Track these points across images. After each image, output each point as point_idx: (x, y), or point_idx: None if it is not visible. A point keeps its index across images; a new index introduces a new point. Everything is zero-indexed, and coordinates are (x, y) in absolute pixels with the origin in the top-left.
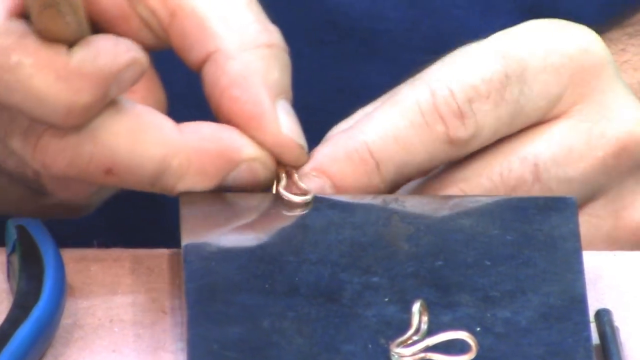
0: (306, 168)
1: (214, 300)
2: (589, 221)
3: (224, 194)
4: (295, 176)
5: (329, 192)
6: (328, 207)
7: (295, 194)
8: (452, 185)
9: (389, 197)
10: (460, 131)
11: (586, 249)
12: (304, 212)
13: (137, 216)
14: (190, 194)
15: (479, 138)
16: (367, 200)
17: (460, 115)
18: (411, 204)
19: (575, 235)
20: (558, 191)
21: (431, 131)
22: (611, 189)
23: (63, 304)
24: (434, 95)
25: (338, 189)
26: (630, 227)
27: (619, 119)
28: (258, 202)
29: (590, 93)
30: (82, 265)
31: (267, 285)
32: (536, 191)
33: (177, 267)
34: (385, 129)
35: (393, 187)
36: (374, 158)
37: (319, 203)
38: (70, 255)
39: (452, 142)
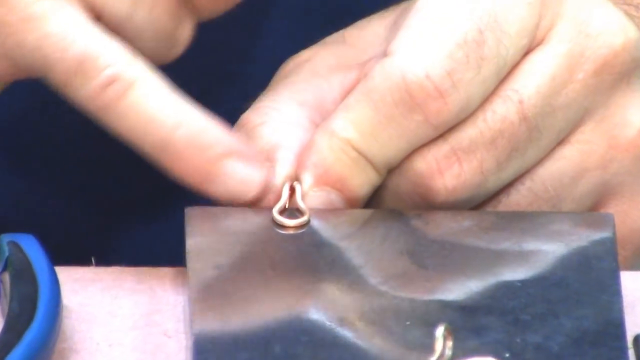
0: (305, 187)
1: (222, 323)
2: (580, 149)
3: (232, 208)
4: (298, 196)
5: (338, 203)
6: (346, 222)
7: (296, 214)
8: (441, 141)
9: (411, 213)
10: (444, 113)
11: (580, 179)
12: (319, 227)
13: (139, 232)
14: (196, 209)
15: (469, 108)
16: (388, 215)
17: (440, 96)
18: (435, 219)
19: (612, 254)
20: (544, 127)
21: (409, 122)
22: (597, 109)
23: (58, 327)
24: (406, 81)
25: (344, 196)
26: (624, 145)
27: (597, 32)
28: (269, 217)
29: (564, 12)
30: (79, 284)
31: (279, 307)
32: (522, 132)
33: (181, 287)
34: (363, 125)
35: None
36: (361, 154)
37: (337, 218)
38: (66, 274)
39: (436, 127)
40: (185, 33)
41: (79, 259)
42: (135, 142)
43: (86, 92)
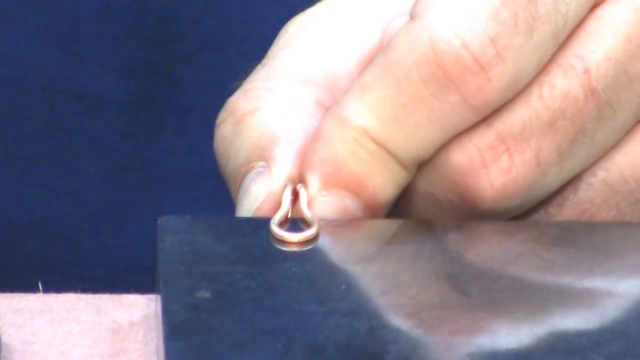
0: (311, 191)
1: None
2: None
3: (219, 218)
4: (303, 203)
5: (354, 210)
6: (364, 236)
7: (300, 226)
8: (484, 127)
9: (449, 224)
10: (487, 92)
11: None
12: (330, 243)
13: (100, 249)
14: (172, 219)
15: (519, 83)
16: (419, 227)
17: (481, 69)
18: (479, 232)
19: None
20: (618, 103)
21: (442, 104)
22: None
23: None
24: (436, 51)
25: (362, 201)
26: None
27: None
28: (266, 230)
29: None
30: (23, 317)
31: (279, 346)
32: (590, 110)
33: (153, 320)
34: (383, 109)
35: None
36: (382, 146)
37: (353, 231)
38: (6, 303)
39: (476, 110)
40: None
41: (23, 284)
42: None
43: None
